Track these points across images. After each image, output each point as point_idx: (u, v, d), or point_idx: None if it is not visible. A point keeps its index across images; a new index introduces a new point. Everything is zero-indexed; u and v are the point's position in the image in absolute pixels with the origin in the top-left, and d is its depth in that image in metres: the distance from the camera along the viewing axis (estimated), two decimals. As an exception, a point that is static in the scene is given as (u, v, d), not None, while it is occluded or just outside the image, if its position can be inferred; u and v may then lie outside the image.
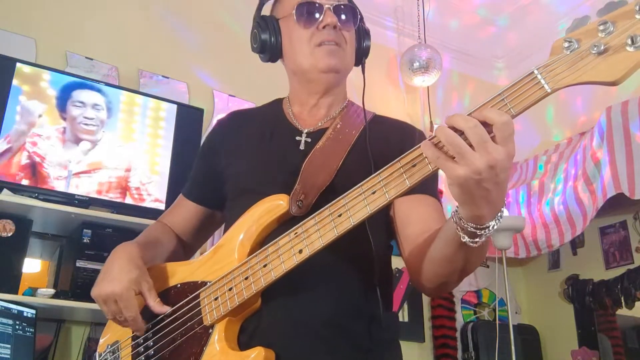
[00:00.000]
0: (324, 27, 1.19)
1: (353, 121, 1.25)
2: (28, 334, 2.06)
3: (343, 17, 1.21)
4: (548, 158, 3.44)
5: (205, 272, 1.11)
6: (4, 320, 1.98)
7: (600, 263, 3.40)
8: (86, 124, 2.41)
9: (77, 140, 2.39)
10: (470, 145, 0.78)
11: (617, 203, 2.94)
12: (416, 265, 1.05)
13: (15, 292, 2.11)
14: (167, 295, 1.14)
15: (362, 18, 1.29)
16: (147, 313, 1.11)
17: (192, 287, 1.11)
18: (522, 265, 3.85)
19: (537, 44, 3.74)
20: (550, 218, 3.24)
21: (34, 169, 2.28)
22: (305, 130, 1.23)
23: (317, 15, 1.19)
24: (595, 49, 0.76)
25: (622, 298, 3.18)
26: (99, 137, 2.44)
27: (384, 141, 1.21)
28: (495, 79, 4.19)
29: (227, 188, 1.25)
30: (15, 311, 2.04)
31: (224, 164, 1.26)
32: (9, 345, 1.95)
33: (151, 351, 1.11)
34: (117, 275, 1.08)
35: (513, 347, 2.96)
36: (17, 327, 2.02)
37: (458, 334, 3.39)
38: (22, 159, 2.26)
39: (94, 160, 2.40)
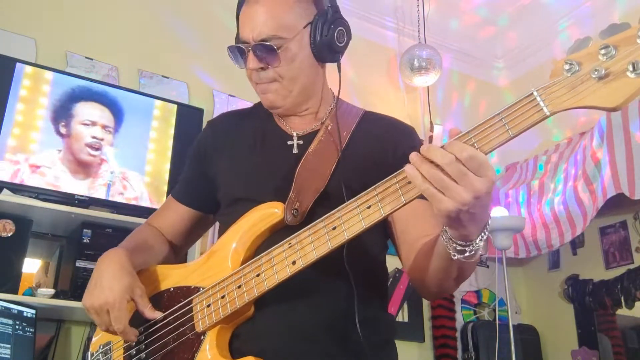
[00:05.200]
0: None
1: (344, 121, 1.23)
2: (28, 334, 2.06)
3: (264, 56, 1.14)
4: (548, 158, 3.44)
5: (198, 278, 1.10)
6: (4, 320, 1.98)
7: (600, 263, 3.39)
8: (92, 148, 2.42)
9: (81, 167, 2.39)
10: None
11: (617, 203, 2.93)
12: (416, 274, 1.08)
13: (15, 292, 2.12)
14: (160, 298, 1.14)
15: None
16: (139, 316, 1.11)
17: (186, 292, 1.11)
18: (522, 265, 3.84)
19: (537, 44, 3.74)
20: (550, 218, 3.24)
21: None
22: (295, 133, 1.22)
23: (242, 59, 1.17)
24: (596, 73, 0.76)
25: (622, 298, 3.17)
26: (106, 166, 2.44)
27: (376, 139, 1.21)
28: (495, 79, 4.18)
29: (220, 195, 1.24)
30: (15, 311, 2.04)
31: (216, 169, 1.25)
32: (9, 345, 1.95)
33: (143, 354, 1.11)
34: (109, 283, 1.07)
35: (513, 347, 2.96)
36: (17, 327, 2.02)
37: (458, 334, 3.39)
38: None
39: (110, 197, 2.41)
